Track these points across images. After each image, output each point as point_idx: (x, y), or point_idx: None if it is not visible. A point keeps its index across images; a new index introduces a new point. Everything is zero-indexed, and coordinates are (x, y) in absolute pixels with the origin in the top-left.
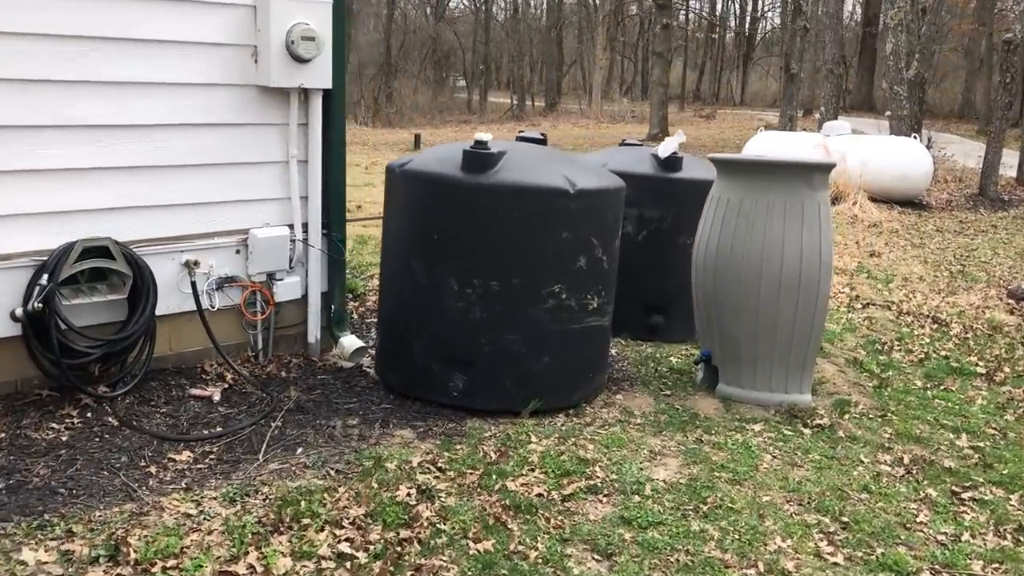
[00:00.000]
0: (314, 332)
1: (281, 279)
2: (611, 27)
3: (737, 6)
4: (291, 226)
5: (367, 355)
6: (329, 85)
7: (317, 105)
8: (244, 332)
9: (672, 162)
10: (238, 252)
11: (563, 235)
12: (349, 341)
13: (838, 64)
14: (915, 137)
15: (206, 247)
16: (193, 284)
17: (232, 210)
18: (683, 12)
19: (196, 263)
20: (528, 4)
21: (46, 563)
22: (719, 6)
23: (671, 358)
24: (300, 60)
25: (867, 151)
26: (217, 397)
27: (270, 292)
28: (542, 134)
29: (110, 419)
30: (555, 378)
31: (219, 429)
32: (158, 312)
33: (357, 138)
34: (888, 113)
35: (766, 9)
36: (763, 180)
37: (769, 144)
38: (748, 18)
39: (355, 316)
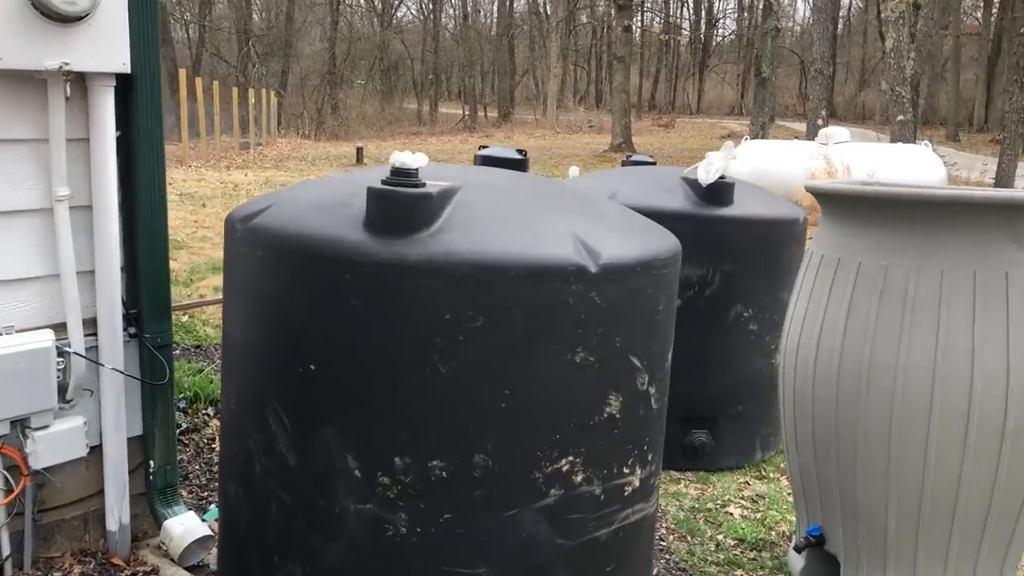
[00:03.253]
0: (116, 512)
1: (44, 427)
2: (564, 35)
3: (690, 11)
4: (62, 326)
5: (214, 547)
6: (126, 67)
7: (105, 104)
8: None
9: (719, 192)
10: None
11: (576, 357)
12: (182, 528)
13: (828, 64)
14: (926, 144)
15: None
16: None
17: None
18: (639, 17)
19: None
20: (478, 12)
21: None
22: (671, 10)
23: (730, 509)
24: (59, 17)
25: (874, 161)
26: None
27: (19, 453)
28: (520, 151)
29: None
30: None
31: None
32: None
33: (296, 152)
34: (900, 118)
35: (720, 16)
36: (927, 232)
37: (759, 156)
38: (703, 24)
39: (217, 447)
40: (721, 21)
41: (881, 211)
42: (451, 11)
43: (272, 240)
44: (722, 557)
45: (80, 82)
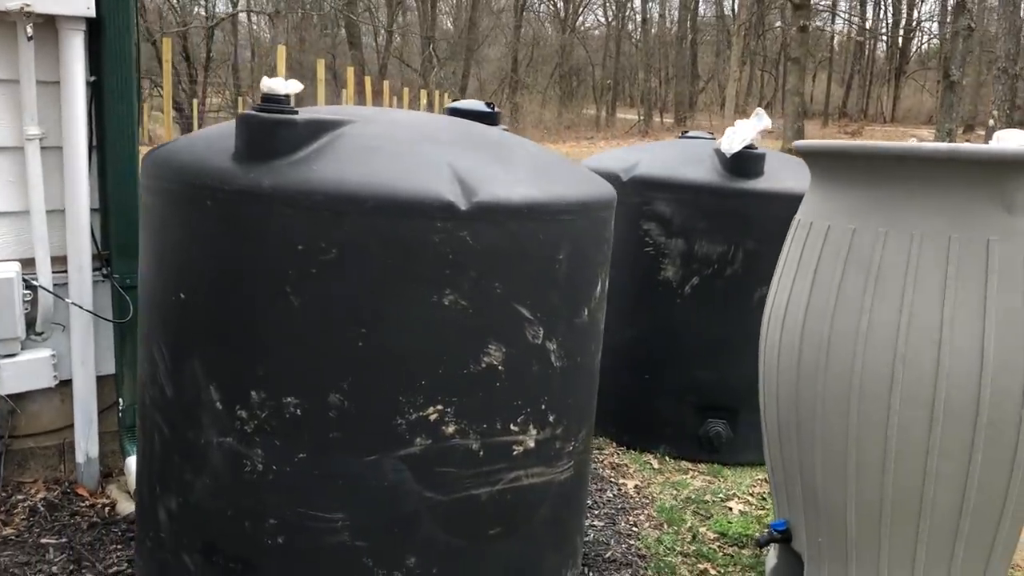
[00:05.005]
0: (84, 445)
1: (11, 355)
2: (749, 39)
3: (890, 15)
4: (29, 262)
5: None
6: (90, 11)
7: (75, 47)
8: None
9: (745, 163)
10: None
11: (445, 300)
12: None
13: (1013, 62)
14: None
15: None
16: None
17: None
18: (828, 18)
19: None
20: (662, 17)
21: None
22: (869, 14)
23: (731, 503)
24: None
25: None
26: None
27: None
28: (489, 103)
29: None
30: None
31: None
32: None
33: None
34: None
35: (923, 19)
36: (900, 191)
37: None
38: (902, 29)
39: None
40: (926, 25)
41: (853, 168)
42: (636, 17)
43: (156, 170)
44: (693, 549)
45: (50, 25)
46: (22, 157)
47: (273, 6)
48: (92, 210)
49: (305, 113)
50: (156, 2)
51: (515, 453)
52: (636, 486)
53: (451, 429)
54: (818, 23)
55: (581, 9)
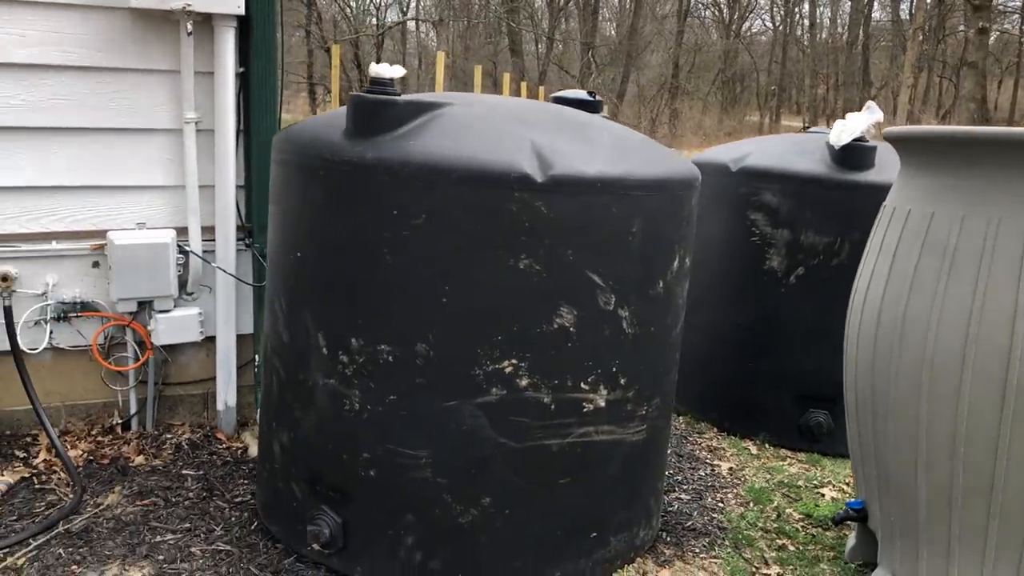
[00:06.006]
0: (224, 395)
1: (166, 311)
2: (926, 44)
3: None
4: (183, 230)
5: None
6: (240, 9)
7: (227, 42)
8: (110, 387)
9: (855, 155)
10: (95, 266)
11: (520, 264)
12: None
13: None
14: None
15: (34, 254)
16: (7, 310)
17: (82, 200)
18: (1017, 21)
19: (6, 278)
20: (833, 21)
21: None
22: None
23: (824, 489)
24: None
25: None
26: None
27: (145, 329)
28: (591, 92)
29: None
30: (506, 539)
31: None
32: None
33: None
34: None
35: None
36: (979, 175)
37: None
38: None
39: None
40: None
41: (935, 153)
42: (804, 22)
43: (282, 145)
44: (775, 527)
45: (207, 23)
46: (180, 138)
47: (438, 14)
48: (238, 187)
49: (405, 96)
50: (332, 12)
51: (585, 410)
52: (730, 468)
53: (524, 382)
54: (1007, 26)
55: (747, 14)
